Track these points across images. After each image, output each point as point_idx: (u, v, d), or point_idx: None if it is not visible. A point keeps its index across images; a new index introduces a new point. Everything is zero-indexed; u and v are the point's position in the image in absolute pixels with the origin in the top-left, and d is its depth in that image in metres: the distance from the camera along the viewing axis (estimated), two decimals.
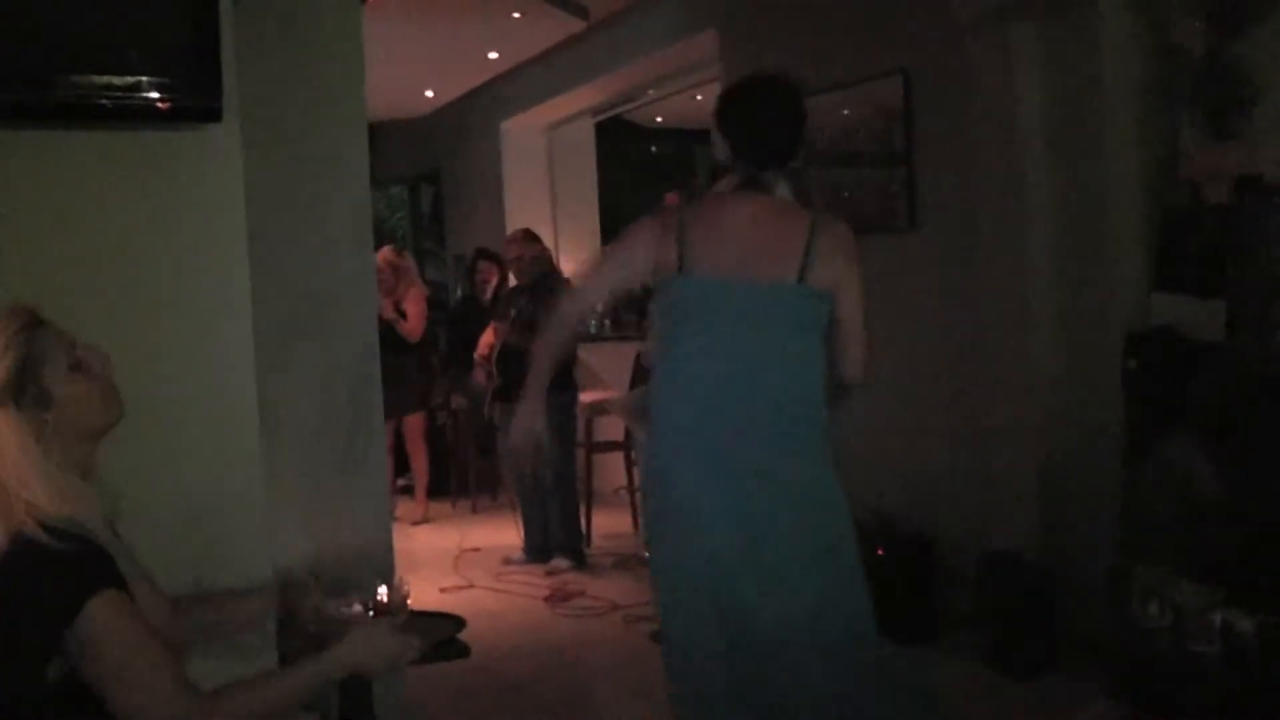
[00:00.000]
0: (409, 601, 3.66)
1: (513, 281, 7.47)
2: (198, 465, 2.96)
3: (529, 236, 7.17)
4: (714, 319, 3.03)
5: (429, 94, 10.72)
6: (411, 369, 7.99)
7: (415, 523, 8.27)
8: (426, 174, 12.02)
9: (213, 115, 2.88)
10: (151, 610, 2.22)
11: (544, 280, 6.93)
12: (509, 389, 6.86)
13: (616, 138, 11.21)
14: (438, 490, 8.89)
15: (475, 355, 7.43)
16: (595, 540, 7.37)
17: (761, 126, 3.14)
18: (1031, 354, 4.99)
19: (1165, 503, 3.86)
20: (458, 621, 3.58)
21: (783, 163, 3.14)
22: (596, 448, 7.79)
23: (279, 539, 3.16)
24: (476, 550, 7.34)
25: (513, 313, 7.02)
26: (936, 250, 5.49)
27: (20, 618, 1.96)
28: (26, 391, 2.02)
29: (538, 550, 6.97)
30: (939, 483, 5.48)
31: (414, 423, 8.28)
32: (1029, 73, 4.93)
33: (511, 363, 6.82)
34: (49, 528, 1.96)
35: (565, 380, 6.85)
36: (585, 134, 10.41)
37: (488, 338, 7.20)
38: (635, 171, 14.69)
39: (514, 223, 9.22)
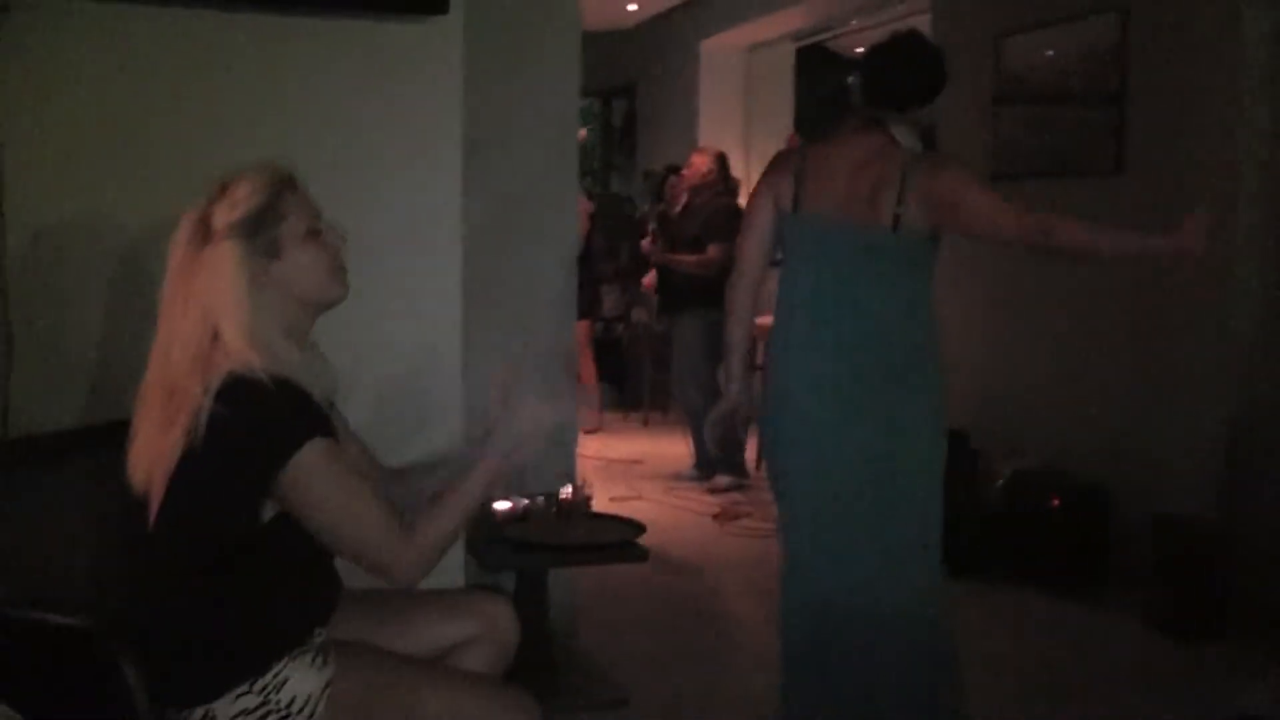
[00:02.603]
0: (591, 503, 3.80)
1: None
2: (402, 354, 3.07)
3: (703, 152, 7.30)
4: (820, 256, 3.18)
5: (631, 7, 10.69)
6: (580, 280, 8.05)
7: (587, 431, 8.40)
8: (620, 88, 12.03)
9: (438, 6, 2.93)
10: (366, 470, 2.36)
11: (698, 200, 7.07)
12: (668, 302, 7.08)
13: (814, 66, 11.04)
14: (613, 402, 9.01)
15: (643, 284, 7.67)
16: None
17: (888, 72, 3.22)
18: (1230, 310, 4.83)
19: None
20: (637, 526, 3.67)
21: (902, 107, 3.20)
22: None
23: (470, 431, 3.26)
24: (638, 463, 7.45)
25: (652, 227, 7.34)
26: (1140, 196, 5.32)
27: (237, 456, 2.07)
28: (260, 236, 2.14)
29: (708, 467, 7.04)
30: (1121, 436, 5.37)
31: (578, 330, 8.28)
32: (1256, 11, 4.72)
33: (668, 278, 7.03)
34: (270, 376, 2.08)
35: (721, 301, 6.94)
36: (784, 59, 10.28)
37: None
38: (830, 101, 14.48)
39: (706, 141, 9.21)
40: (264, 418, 2.07)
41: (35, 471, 2.34)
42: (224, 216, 2.12)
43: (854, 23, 9.17)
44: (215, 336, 2.09)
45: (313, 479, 2.08)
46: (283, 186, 2.20)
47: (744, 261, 3.36)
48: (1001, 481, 5.39)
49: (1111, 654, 4.47)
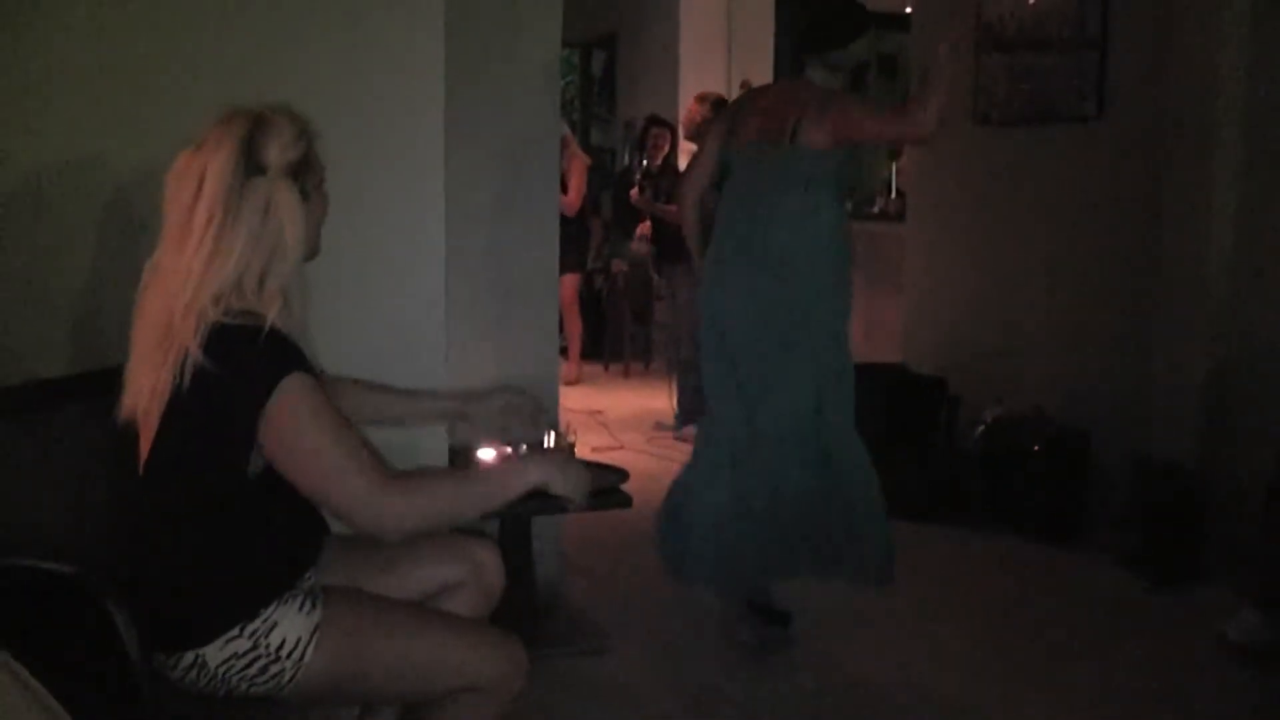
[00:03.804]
0: (574, 450, 3.81)
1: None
2: (387, 308, 3.07)
3: (698, 99, 7.20)
4: (740, 177, 3.84)
5: None
6: (572, 235, 8.03)
7: (568, 383, 8.41)
8: (600, 38, 11.96)
9: None
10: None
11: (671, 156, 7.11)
12: (663, 253, 7.12)
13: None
14: (592, 353, 9.03)
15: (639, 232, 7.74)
16: None
17: (804, 23, 3.85)
18: (1210, 258, 4.86)
19: None
20: (620, 473, 3.69)
21: (818, 51, 3.80)
22: None
23: (455, 382, 3.27)
24: (618, 414, 7.48)
25: (638, 177, 7.52)
26: (1121, 141, 5.35)
27: (221, 407, 2.06)
28: (299, 180, 2.13)
29: (686, 418, 7.07)
30: (1101, 381, 5.41)
31: (567, 283, 8.33)
32: None
33: (661, 229, 7.09)
34: (270, 326, 2.06)
35: None
36: (766, 8, 10.22)
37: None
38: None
39: (687, 92, 9.16)
40: (246, 363, 2.05)
41: (22, 420, 2.34)
42: (278, 154, 2.09)
43: None
44: (242, 275, 2.06)
45: (293, 410, 2.05)
46: (312, 136, 2.20)
47: (689, 172, 4.12)
48: (982, 427, 5.43)
49: (1090, 596, 4.53)
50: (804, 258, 3.72)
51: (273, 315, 2.06)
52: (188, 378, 2.03)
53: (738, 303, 3.80)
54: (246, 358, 2.05)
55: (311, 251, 2.24)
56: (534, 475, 2.26)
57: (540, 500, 3.56)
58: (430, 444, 3.13)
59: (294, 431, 2.06)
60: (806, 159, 3.67)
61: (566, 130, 8.41)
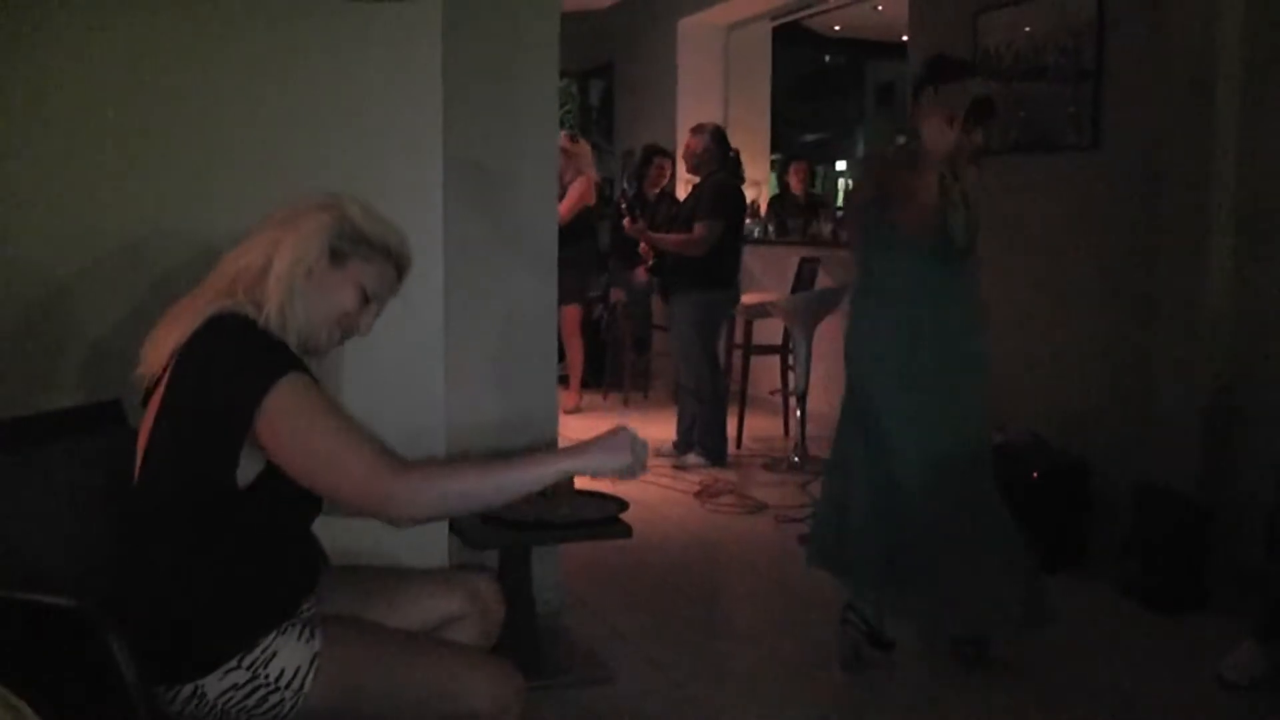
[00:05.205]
0: (574, 480, 3.80)
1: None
2: (385, 338, 3.06)
3: (697, 130, 7.15)
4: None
5: None
6: (571, 260, 8.03)
7: (567, 411, 8.40)
8: (598, 68, 12.01)
9: None
10: None
11: (699, 176, 7.05)
12: (665, 282, 7.11)
13: (791, 43, 11.07)
14: (591, 382, 9.03)
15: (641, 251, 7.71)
16: (745, 442, 7.45)
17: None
18: (1208, 287, 4.86)
19: None
20: (620, 503, 3.68)
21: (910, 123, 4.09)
22: (754, 350, 7.74)
23: (454, 414, 3.27)
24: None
25: (622, 205, 7.61)
26: (1117, 172, 5.36)
27: (215, 394, 2.09)
28: (343, 242, 2.24)
29: (685, 448, 7.05)
30: (1100, 410, 5.41)
31: (570, 314, 8.34)
32: None
33: (662, 258, 7.14)
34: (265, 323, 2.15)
35: (727, 279, 6.89)
36: (762, 37, 10.28)
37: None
38: (805, 80, 14.46)
39: (685, 121, 9.20)
40: (243, 353, 2.10)
41: (23, 452, 2.33)
42: (351, 208, 2.25)
43: (830, 0, 9.18)
44: (271, 262, 2.17)
45: (296, 406, 2.06)
46: (399, 261, 2.34)
47: (857, 197, 4.56)
48: None
49: (1091, 625, 4.50)
50: (870, 312, 4.06)
51: (268, 309, 2.15)
52: (189, 342, 2.10)
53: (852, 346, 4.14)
54: (246, 347, 2.11)
55: (307, 329, 2.23)
56: (567, 465, 2.23)
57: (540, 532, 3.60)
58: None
59: (295, 425, 2.07)
60: (878, 227, 4.01)
61: (586, 147, 8.40)
